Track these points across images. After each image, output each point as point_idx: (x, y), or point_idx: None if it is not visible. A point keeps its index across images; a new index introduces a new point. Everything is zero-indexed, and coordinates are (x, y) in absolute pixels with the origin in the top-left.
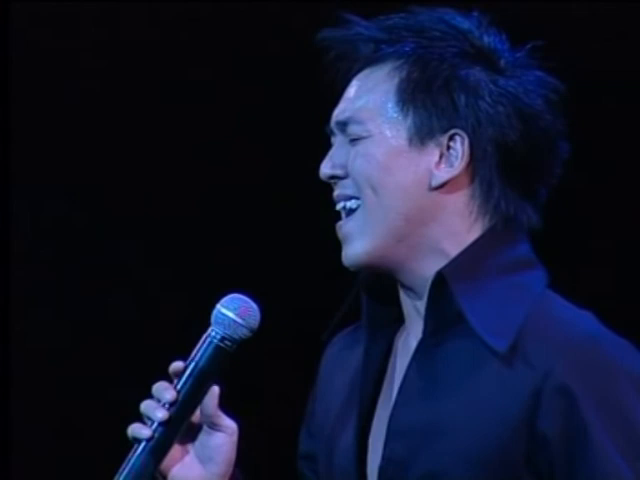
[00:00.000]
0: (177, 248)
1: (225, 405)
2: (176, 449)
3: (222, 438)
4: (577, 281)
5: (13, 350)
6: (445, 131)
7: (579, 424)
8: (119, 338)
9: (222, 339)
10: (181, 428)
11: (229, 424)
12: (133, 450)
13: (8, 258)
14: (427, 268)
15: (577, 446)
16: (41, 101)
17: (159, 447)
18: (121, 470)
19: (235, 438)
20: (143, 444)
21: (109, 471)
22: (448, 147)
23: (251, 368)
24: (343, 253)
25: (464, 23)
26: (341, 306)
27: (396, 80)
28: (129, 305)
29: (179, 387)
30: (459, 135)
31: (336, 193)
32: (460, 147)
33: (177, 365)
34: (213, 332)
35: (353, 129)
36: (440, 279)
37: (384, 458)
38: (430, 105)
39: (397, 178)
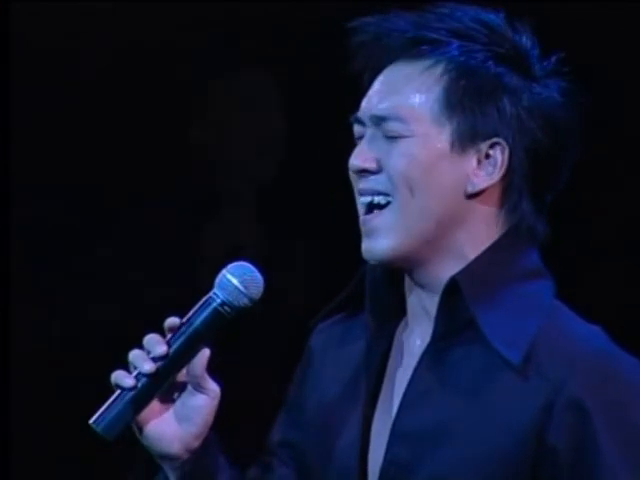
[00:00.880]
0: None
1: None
2: (156, 404)
3: (204, 400)
4: None
5: (13, 350)
6: (487, 139)
7: (589, 439)
8: (119, 337)
9: (222, 304)
10: (165, 383)
11: (213, 387)
12: (113, 396)
13: (8, 257)
14: (445, 270)
15: (585, 462)
16: (41, 100)
17: (140, 398)
18: (98, 413)
19: (216, 402)
20: (125, 392)
21: (110, 470)
22: (487, 155)
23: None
24: (366, 246)
25: (499, 24)
26: (337, 295)
27: (443, 83)
28: (129, 304)
29: (171, 343)
30: (500, 144)
31: (362, 186)
32: (500, 156)
33: (173, 321)
34: (214, 295)
35: (394, 126)
36: (453, 285)
37: (386, 460)
38: (477, 112)
39: (436, 181)
